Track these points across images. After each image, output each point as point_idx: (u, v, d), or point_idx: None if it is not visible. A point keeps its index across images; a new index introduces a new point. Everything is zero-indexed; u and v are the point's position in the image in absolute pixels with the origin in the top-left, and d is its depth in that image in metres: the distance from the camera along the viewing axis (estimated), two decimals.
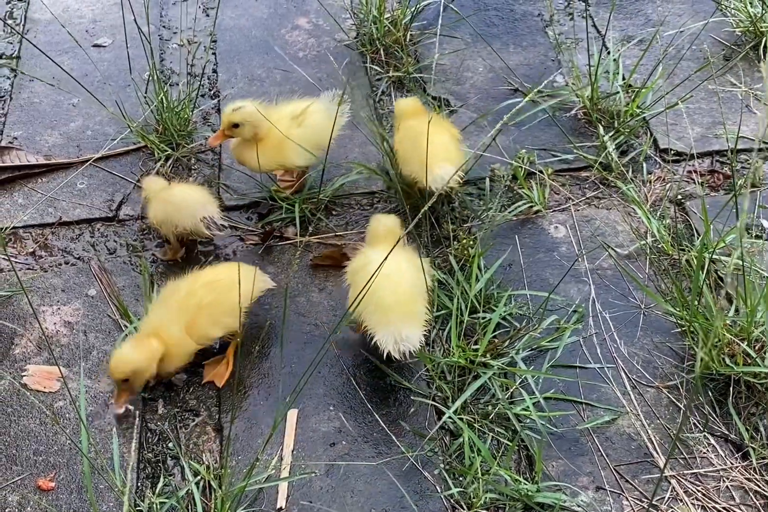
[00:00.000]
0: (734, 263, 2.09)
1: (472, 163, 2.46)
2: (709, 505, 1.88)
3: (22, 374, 2.15)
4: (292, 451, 1.99)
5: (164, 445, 2.03)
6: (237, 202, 2.54)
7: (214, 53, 3.03)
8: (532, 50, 2.97)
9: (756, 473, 1.92)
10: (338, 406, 2.07)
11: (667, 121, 2.65)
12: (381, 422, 2.03)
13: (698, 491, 1.90)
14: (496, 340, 2.14)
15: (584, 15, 3.07)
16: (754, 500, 1.88)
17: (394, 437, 2.01)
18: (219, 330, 2.07)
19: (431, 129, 2.09)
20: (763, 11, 2.86)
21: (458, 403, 1.99)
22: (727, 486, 1.91)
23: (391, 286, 1.95)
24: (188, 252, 2.41)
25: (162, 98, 2.62)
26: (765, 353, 2.01)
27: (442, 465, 1.95)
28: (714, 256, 2.23)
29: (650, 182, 2.53)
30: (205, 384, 2.13)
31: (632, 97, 2.68)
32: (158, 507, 1.89)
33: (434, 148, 2.16)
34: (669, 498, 1.90)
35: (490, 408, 2.02)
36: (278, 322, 2.24)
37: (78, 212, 2.54)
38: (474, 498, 1.87)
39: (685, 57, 2.86)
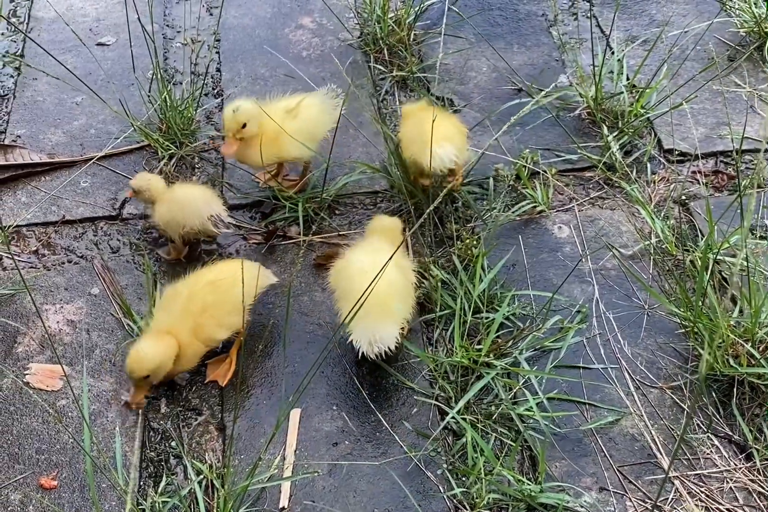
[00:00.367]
0: (739, 264, 2.09)
1: (475, 162, 2.46)
2: (713, 506, 1.87)
3: (25, 373, 2.15)
4: (295, 451, 1.99)
5: (167, 444, 2.02)
6: (240, 201, 2.54)
7: (217, 52, 3.03)
8: (536, 50, 2.97)
9: (760, 474, 1.92)
10: (341, 406, 2.07)
11: (672, 121, 2.64)
12: (384, 422, 2.03)
13: (702, 492, 1.90)
14: (500, 340, 2.13)
15: (588, 15, 3.07)
16: (758, 501, 1.88)
17: (396, 437, 2.00)
18: (225, 331, 2.07)
19: (438, 117, 2.11)
20: None
21: (461, 403, 1.99)
22: (730, 487, 1.91)
23: (367, 284, 1.94)
24: (191, 251, 2.41)
25: (165, 97, 2.62)
26: None
27: (445, 465, 1.95)
28: (718, 257, 2.22)
29: (654, 182, 2.53)
30: (208, 383, 2.13)
31: (636, 97, 2.68)
32: (161, 506, 1.89)
33: (437, 130, 2.16)
34: (672, 498, 1.89)
35: (493, 408, 2.02)
36: (281, 322, 2.24)
37: (81, 211, 2.53)
38: (477, 498, 1.87)
39: (690, 57, 2.86)
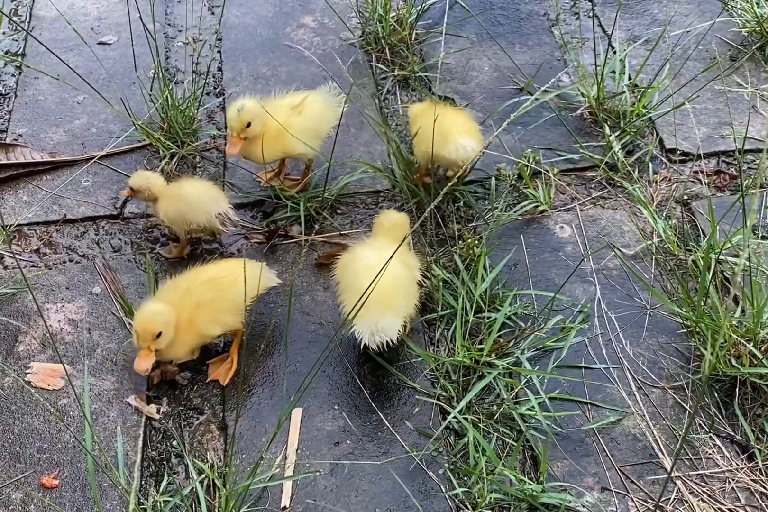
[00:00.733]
0: (741, 264, 2.08)
1: (477, 160, 2.45)
2: (715, 506, 1.87)
3: (26, 371, 2.15)
4: (297, 450, 1.99)
5: (168, 443, 2.02)
6: (242, 200, 2.53)
7: (219, 51, 3.03)
8: (538, 50, 2.97)
9: (762, 474, 1.92)
10: (343, 405, 2.07)
11: (674, 121, 2.64)
12: (385, 421, 2.03)
13: (704, 492, 1.89)
14: (501, 340, 2.13)
15: (590, 14, 3.06)
16: (760, 501, 1.88)
17: (398, 436, 2.00)
18: (219, 327, 2.06)
19: (451, 112, 2.17)
20: None
21: (463, 403, 1.99)
22: (732, 488, 1.90)
23: (372, 278, 1.94)
24: (192, 250, 2.41)
25: (167, 96, 2.61)
26: None
27: (446, 465, 1.95)
28: (720, 257, 2.22)
29: (656, 182, 2.53)
30: (210, 383, 2.13)
31: (638, 96, 2.68)
32: (162, 505, 1.89)
33: (455, 123, 2.27)
34: (674, 499, 1.89)
35: (495, 408, 2.02)
36: (283, 321, 2.24)
37: (83, 210, 2.53)
38: (479, 498, 1.87)
39: (692, 57, 2.86)
